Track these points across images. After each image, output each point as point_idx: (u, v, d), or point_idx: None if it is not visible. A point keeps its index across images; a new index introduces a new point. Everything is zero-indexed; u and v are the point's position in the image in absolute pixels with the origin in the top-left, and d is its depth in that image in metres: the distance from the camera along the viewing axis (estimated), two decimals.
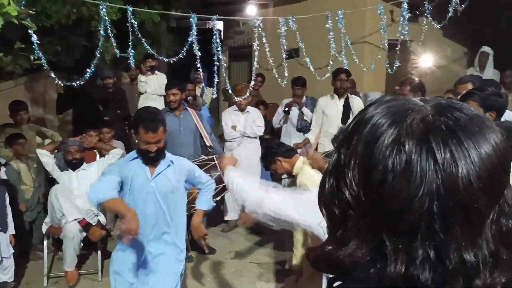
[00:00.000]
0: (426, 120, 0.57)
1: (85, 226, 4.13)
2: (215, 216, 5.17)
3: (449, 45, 7.85)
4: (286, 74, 5.40)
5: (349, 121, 0.64)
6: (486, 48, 6.74)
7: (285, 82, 5.43)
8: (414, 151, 0.55)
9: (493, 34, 7.24)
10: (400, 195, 0.55)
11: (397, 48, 5.97)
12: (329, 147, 4.77)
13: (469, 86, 3.30)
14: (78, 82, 4.04)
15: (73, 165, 4.45)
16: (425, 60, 5.83)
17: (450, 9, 5.24)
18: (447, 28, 7.11)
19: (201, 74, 5.54)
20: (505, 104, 2.89)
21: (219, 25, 4.42)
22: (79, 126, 5.64)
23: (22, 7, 3.31)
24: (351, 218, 0.60)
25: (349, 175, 0.60)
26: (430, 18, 5.64)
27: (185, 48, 4.31)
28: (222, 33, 8.74)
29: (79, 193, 4.28)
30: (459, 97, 2.95)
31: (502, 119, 3.36)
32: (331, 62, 5.79)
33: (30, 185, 4.65)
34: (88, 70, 4.35)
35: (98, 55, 4.01)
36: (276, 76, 5.51)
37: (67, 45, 6.02)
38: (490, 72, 6.42)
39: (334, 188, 0.62)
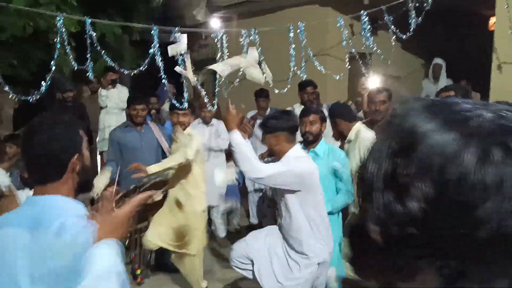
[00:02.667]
0: (501, 123, 0.49)
1: None
2: None
3: (408, 58, 8.12)
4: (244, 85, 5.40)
5: (390, 130, 0.55)
6: (438, 60, 7.02)
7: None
8: (502, 160, 0.46)
9: (445, 45, 7.56)
10: (496, 217, 0.45)
11: (358, 60, 6.11)
12: None
13: (452, 93, 3.49)
14: (34, 96, 3.88)
15: (30, 183, 4.25)
16: (380, 73, 5.99)
17: (412, 22, 5.40)
18: (405, 41, 7.37)
19: (173, 86, 5.48)
20: None
21: (183, 38, 4.38)
22: None
23: None
24: (415, 239, 0.49)
25: (418, 190, 0.49)
26: (391, 30, 5.81)
27: (147, 60, 4.23)
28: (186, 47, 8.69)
29: None
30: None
31: None
32: (291, 73, 5.84)
33: None
34: (43, 84, 4.19)
35: (55, 68, 3.87)
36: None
37: (23, 58, 5.84)
38: (443, 83, 6.67)
39: (393, 203, 0.51)
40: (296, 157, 2.82)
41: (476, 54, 7.11)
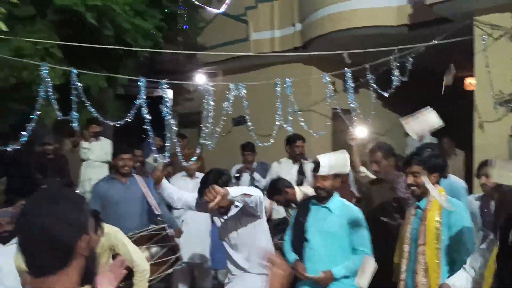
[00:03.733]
0: None
1: None
2: None
3: (389, 115, 8.31)
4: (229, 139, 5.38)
5: None
6: None
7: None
8: None
9: (426, 103, 7.78)
10: None
11: (341, 116, 6.20)
12: (283, 213, 4.67)
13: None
14: (12, 147, 3.74)
15: (2, 238, 3.98)
16: (363, 130, 6.07)
17: (394, 79, 5.57)
18: (386, 99, 7.57)
19: (160, 139, 5.42)
20: (445, 163, 2.99)
21: (169, 93, 4.41)
22: (12, 195, 5.18)
23: None
24: None
25: None
26: (372, 88, 5.96)
27: (132, 112, 4.19)
28: (171, 101, 8.74)
29: (8, 270, 3.79)
30: (402, 163, 3.03)
31: (447, 182, 3.45)
32: (274, 129, 5.87)
33: None
34: (22, 135, 4.07)
35: (37, 119, 3.77)
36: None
37: (3, 111, 5.70)
38: (427, 139, 6.77)
39: None
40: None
41: (457, 112, 7.34)
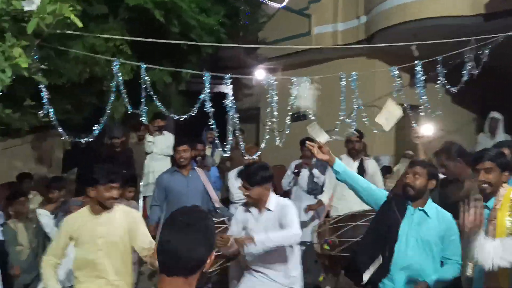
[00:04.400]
0: None
1: None
2: None
3: (458, 111, 7.86)
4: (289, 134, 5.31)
5: None
6: (495, 114, 6.73)
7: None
8: None
9: (501, 99, 7.27)
10: None
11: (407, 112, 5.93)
12: (343, 211, 4.56)
13: (506, 151, 3.17)
14: (86, 139, 3.95)
15: None
16: (430, 127, 5.77)
17: (465, 73, 5.24)
18: (455, 94, 7.16)
19: (214, 133, 5.50)
20: None
21: (228, 90, 4.48)
22: (82, 186, 5.49)
23: (34, 62, 3.30)
24: None
25: None
26: (442, 82, 5.64)
27: (196, 106, 4.27)
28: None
29: None
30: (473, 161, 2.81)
31: None
32: (337, 125, 5.72)
33: (27, 246, 4.41)
34: (95, 127, 4.28)
35: (109, 112, 3.95)
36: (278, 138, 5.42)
37: (77, 104, 6.03)
38: (501, 137, 6.35)
39: None
40: (280, 199, 3.19)
41: None
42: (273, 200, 3.11)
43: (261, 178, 3.06)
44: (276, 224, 3.04)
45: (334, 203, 4.95)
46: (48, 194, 4.63)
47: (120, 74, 3.89)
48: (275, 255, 3.06)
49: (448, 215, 2.89)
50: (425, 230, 2.83)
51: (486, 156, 2.67)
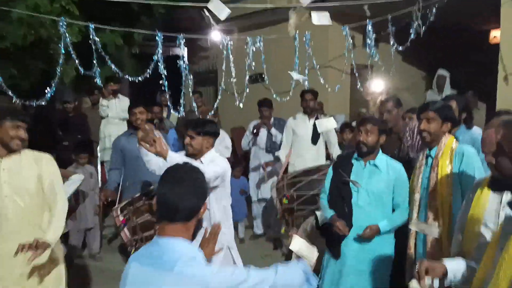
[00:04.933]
0: None
1: None
2: None
3: (408, 69, 8.13)
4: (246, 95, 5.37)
5: None
6: (442, 71, 7.02)
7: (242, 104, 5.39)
8: None
9: (447, 58, 7.58)
10: None
11: (365, 71, 6.10)
12: (299, 166, 4.71)
13: (454, 103, 3.37)
14: (37, 102, 3.81)
15: None
16: (381, 84, 5.97)
17: (412, 31, 5.41)
18: (406, 53, 7.38)
19: (167, 96, 5.43)
20: (471, 115, 3.07)
21: (183, 52, 4.41)
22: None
23: None
24: None
25: None
26: (392, 42, 5.80)
27: (150, 67, 4.19)
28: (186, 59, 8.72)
29: None
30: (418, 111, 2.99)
31: (470, 133, 3.45)
32: (293, 83, 5.81)
33: None
34: (47, 91, 4.13)
35: (59, 75, 3.80)
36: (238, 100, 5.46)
37: (23, 68, 5.76)
38: (448, 93, 6.65)
39: None
40: (216, 157, 3.14)
41: (479, 66, 7.14)
42: (209, 156, 3.13)
43: (207, 130, 3.10)
44: None
45: (291, 160, 5.09)
46: None
47: (68, 35, 3.71)
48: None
49: (397, 165, 3.03)
50: (375, 182, 2.98)
51: (429, 107, 2.80)
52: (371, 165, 3.03)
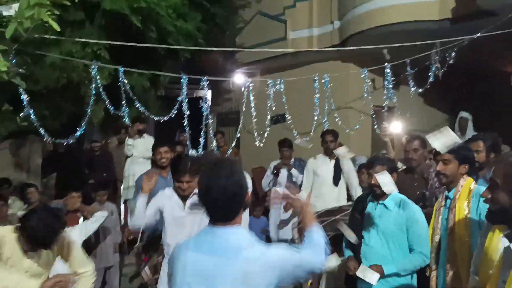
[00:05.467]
0: None
1: None
2: None
3: (431, 111, 8.13)
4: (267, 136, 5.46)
5: None
6: (464, 113, 6.99)
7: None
8: None
9: (469, 101, 7.57)
10: None
11: (384, 113, 6.13)
12: (320, 207, 4.69)
13: (481, 144, 3.35)
14: (67, 141, 3.99)
15: None
16: (398, 125, 5.96)
17: (431, 74, 5.46)
18: (427, 95, 7.41)
19: (186, 135, 5.58)
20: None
21: (208, 94, 4.58)
22: (62, 189, 5.50)
23: (12, 66, 3.33)
24: None
25: None
26: (412, 84, 5.87)
27: (175, 108, 4.36)
28: (209, 101, 8.99)
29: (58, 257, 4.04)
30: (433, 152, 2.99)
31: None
32: (314, 124, 5.90)
33: None
34: (75, 133, 4.32)
35: (89, 115, 3.99)
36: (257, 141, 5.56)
37: (54, 110, 6.03)
38: (471, 135, 6.59)
39: None
40: None
41: (501, 107, 7.09)
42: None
43: (198, 168, 3.08)
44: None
45: (312, 201, 5.07)
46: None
47: (98, 78, 3.93)
48: None
49: (410, 206, 2.97)
50: (384, 222, 2.96)
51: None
52: (381, 205, 3.02)
